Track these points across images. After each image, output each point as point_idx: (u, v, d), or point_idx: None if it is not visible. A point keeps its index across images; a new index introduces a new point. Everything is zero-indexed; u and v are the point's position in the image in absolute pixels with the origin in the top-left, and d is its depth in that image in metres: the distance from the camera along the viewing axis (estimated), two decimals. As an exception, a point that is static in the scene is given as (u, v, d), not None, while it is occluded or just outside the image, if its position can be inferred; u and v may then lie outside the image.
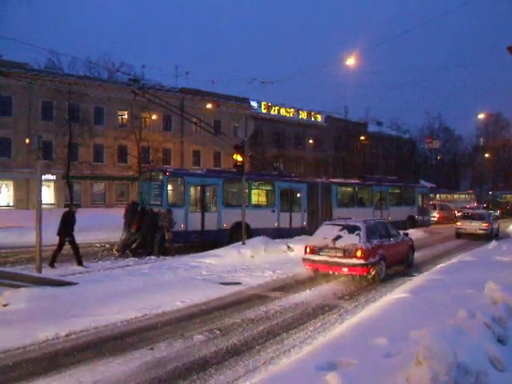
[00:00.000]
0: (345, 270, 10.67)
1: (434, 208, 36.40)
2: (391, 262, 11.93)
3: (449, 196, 54.46)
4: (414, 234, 22.84)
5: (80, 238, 19.15)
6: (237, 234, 16.21)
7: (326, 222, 12.83)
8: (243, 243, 15.10)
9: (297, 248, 15.66)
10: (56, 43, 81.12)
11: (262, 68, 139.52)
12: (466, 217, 24.50)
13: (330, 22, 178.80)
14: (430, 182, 55.74)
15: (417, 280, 10.49)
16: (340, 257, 10.66)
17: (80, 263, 12.66)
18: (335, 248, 10.79)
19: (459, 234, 23.75)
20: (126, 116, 42.24)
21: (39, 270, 10.20)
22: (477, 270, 10.64)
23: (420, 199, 27.28)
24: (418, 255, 15.08)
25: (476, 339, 4.36)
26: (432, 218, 32.07)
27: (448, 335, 3.84)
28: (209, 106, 39.30)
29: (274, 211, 19.09)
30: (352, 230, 11.10)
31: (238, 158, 16.00)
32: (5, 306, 7.69)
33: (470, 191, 64.09)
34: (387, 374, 4.08)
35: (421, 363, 3.65)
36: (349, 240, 10.75)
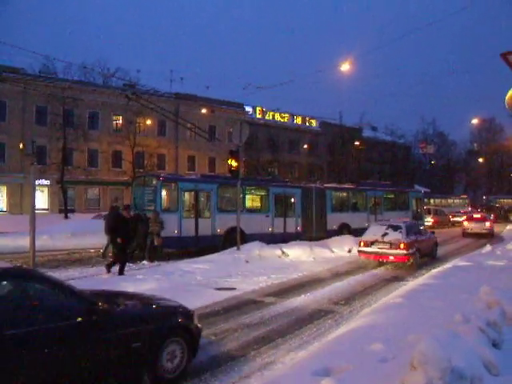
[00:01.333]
0: (391, 258, 13.99)
1: (429, 213, 36.60)
2: (423, 253, 15.17)
3: (443, 201, 54.62)
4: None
5: (75, 242, 19.16)
6: (231, 239, 16.18)
7: (374, 223, 16.77)
8: (238, 248, 15.09)
9: (291, 253, 15.67)
10: (52, 47, 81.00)
11: (257, 72, 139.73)
12: (471, 219, 28.95)
13: (325, 28, 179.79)
14: (425, 186, 55.94)
15: (411, 285, 10.51)
16: (387, 248, 13.96)
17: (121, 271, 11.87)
18: (383, 242, 14.10)
19: (466, 234, 27.42)
20: (120, 121, 42.20)
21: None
22: (471, 274, 10.68)
23: (414, 204, 27.32)
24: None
25: (471, 344, 4.36)
26: (427, 223, 32.41)
27: (443, 340, 3.84)
28: (203, 111, 39.30)
29: (268, 216, 19.08)
30: (395, 228, 14.52)
31: (233, 163, 16.01)
32: None
33: (464, 196, 64.33)
34: (382, 379, 4.08)
35: (416, 368, 3.65)
36: (393, 236, 14.09)
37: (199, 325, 5.73)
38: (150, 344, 4.93)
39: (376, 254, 14.24)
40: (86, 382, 4.48)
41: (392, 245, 13.82)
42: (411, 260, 13.96)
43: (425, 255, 15.51)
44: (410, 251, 13.79)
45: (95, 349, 4.51)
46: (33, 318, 4.12)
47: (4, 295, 4.24)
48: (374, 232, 14.80)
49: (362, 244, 14.69)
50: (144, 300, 5.89)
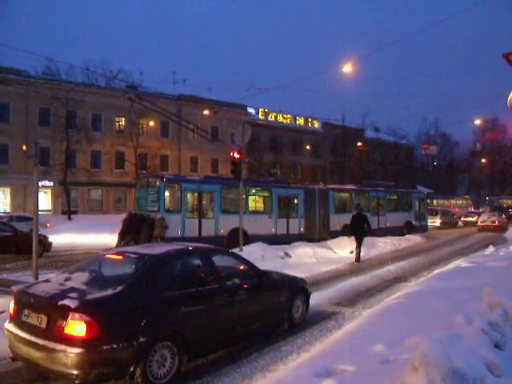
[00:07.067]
0: (492, 227, 32.57)
1: (436, 214, 36.91)
2: (503, 228, 31.66)
3: (446, 202, 54.48)
4: (413, 239, 22.91)
5: (79, 242, 19.24)
6: (234, 240, 16.16)
7: (483, 214, 38.07)
8: (240, 249, 15.07)
9: (294, 254, 15.65)
10: (55, 49, 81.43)
11: (260, 74, 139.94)
12: (490, 211, 45.65)
13: (328, 30, 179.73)
14: (428, 187, 55.85)
15: (414, 286, 10.48)
16: (491, 223, 33.57)
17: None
18: (489, 221, 33.86)
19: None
20: (123, 122, 42.29)
21: (36, 276, 10.17)
22: (473, 275, 10.62)
23: (417, 205, 27.33)
24: (420, 260, 15.10)
25: (473, 345, 4.35)
26: (434, 224, 34.79)
27: (444, 341, 3.83)
28: (206, 112, 39.32)
29: (271, 217, 19.09)
30: (493, 215, 35.81)
31: (235, 164, 16.00)
32: (1, 313, 7.66)
33: (467, 196, 64.16)
34: (384, 381, 4.08)
35: (417, 369, 3.64)
36: (493, 218, 34.45)
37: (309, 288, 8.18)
38: (288, 299, 7.30)
39: (485, 226, 32.97)
40: (256, 318, 6.68)
41: (493, 222, 33.18)
42: (501, 229, 31.13)
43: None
44: (501, 224, 32.75)
45: (263, 298, 6.90)
46: (242, 275, 6.78)
47: (224, 261, 6.79)
48: (483, 217, 34.85)
49: (479, 223, 33.93)
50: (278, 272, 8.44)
